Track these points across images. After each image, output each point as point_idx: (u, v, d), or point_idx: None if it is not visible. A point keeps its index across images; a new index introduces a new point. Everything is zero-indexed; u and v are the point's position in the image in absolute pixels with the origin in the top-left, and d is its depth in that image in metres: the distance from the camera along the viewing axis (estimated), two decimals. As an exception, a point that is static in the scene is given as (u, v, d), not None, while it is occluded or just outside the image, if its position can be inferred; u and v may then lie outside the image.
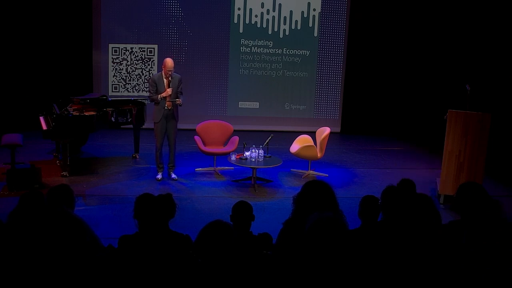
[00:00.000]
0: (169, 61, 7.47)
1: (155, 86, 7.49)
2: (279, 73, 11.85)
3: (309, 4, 11.64)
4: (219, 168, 8.36)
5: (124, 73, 11.50)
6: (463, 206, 3.57)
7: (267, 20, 11.64)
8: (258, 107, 11.92)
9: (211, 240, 2.83)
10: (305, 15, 11.69)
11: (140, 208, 3.45)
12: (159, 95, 7.47)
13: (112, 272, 3.06)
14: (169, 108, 7.56)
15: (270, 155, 7.93)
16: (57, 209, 3.42)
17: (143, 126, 9.05)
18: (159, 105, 7.55)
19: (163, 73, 7.51)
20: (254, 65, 11.77)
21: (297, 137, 8.68)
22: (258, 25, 11.64)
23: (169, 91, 7.45)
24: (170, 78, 7.51)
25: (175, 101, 7.55)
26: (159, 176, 7.84)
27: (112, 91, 11.44)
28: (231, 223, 3.58)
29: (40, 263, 2.91)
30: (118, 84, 11.54)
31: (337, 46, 11.89)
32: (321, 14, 11.70)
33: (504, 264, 3.12)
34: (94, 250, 3.33)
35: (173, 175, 7.92)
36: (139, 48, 11.42)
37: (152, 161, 8.56)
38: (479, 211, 3.47)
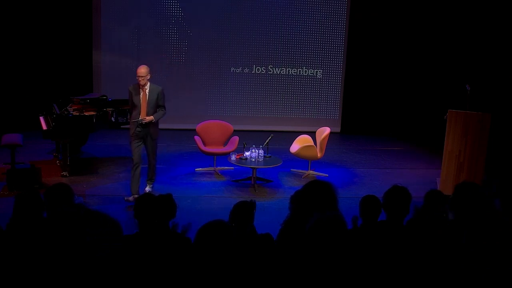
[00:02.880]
0: (138, 68, 6.63)
1: (131, 96, 6.76)
2: (279, 73, 11.85)
3: (309, 3, 11.64)
4: (219, 168, 8.36)
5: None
6: (459, 205, 3.59)
7: (267, 20, 11.65)
8: (258, 107, 11.92)
9: (210, 240, 2.83)
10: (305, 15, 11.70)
11: (141, 208, 3.44)
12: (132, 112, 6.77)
13: (112, 272, 3.05)
14: (143, 123, 6.70)
15: (270, 155, 7.92)
16: (55, 209, 3.42)
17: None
18: (132, 117, 6.83)
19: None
20: (254, 65, 11.77)
21: (297, 137, 8.68)
22: (258, 25, 11.65)
23: (147, 118, 6.65)
24: (147, 90, 6.69)
25: (139, 120, 6.66)
26: (148, 189, 7.10)
27: (112, 91, 11.43)
28: (231, 223, 3.58)
29: (39, 263, 2.91)
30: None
31: (337, 46, 11.90)
32: (321, 14, 11.70)
33: (504, 264, 3.12)
34: (94, 250, 3.32)
35: (147, 188, 7.10)
36: (139, 48, 11.42)
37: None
38: (475, 210, 3.48)
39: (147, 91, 6.72)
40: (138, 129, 6.75)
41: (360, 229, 3.70)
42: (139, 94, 6.73)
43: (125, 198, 6.82)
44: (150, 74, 6.73)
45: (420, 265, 3.25)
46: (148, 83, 6.73)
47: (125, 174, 8.15)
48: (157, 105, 6.80)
